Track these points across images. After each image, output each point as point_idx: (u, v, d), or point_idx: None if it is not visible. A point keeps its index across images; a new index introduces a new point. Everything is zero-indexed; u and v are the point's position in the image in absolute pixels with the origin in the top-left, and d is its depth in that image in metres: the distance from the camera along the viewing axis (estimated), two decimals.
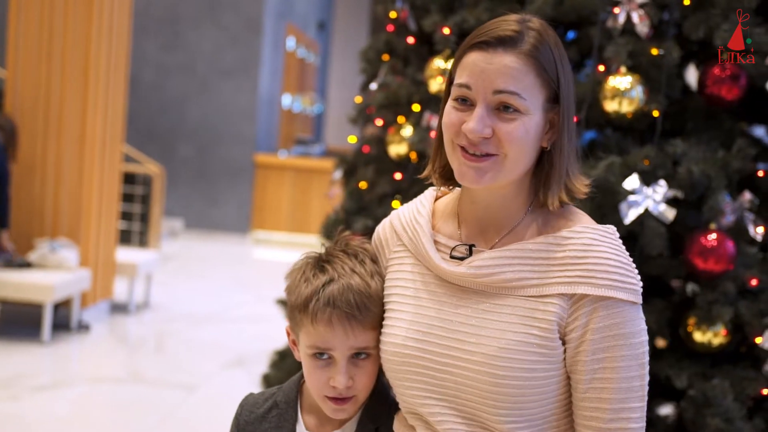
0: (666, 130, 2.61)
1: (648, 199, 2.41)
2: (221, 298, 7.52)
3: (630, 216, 2.40)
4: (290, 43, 12.73)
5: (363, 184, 3.25)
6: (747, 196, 2.49)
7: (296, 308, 1.47)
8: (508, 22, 1.32)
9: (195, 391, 4.78)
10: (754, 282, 2.47)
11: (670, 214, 2.41)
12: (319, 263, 1.49)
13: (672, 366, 2.51)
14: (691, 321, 2.48)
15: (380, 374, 1.50)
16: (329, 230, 3.18)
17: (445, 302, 1.36)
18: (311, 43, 14.34)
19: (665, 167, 2.47)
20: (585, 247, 1.31)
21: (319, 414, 1.53)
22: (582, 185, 1.38)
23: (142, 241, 8.50)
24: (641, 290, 1.33)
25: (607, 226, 1.36)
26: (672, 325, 2.56)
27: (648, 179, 2.43)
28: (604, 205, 2.46)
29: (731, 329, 2.46)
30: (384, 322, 1.43)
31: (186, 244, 10.53)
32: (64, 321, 5.87)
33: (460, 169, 1.33)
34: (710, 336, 2.46)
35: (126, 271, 6.54)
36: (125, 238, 8.34)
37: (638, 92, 2.49)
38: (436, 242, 1.41)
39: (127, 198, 8.31)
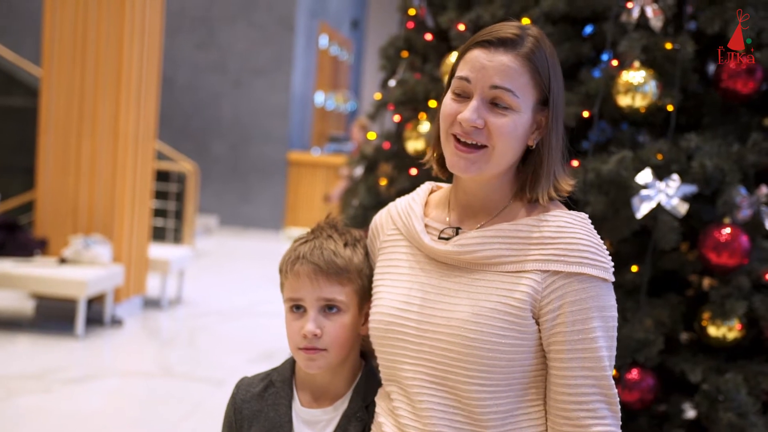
0: (682, 124, 2.61)
1: (661, 193, 2.41)
2: (252, 293, 7.60)
3: (642, 210, 2.40)
4: (323, 41, 12.79)
5: (383, 181, 3.28)
6: (764, 190, 2.48)
7: (279, 273, 1.64)
8: (510, 27, 1.45)
9: (224, 386, 4.85)
10: None
11: (682, 208, 2.41)
12: (306, 234, 1.65)
13: (686, 360, 2.51)
14: (706, 315, 2.48)
15: (370, 357, 1.62)
16: (353, 225, 3.21)
17: (431, 277, 1.49)
18: (345, 41, 14.40)
19: (679, 161, 2.47)
20: (559, 228, 1.42)
21: (313, 390, 1.65)
22: (567, 184, 1.49)
23: (177, 238, 8.62)
24: (612, 269, 1.43)
25: (580, 212, 1.47)
26: (686, 320, 2.56)
27: (661, 174, 2.43)
28: (616, 200, 2.46)
29: (746, 324, 2.46)
30: (375, 296, 1.56)
31: (220, 240, 10.65)
32: (97, 316, 5.98)
33: (451, 159, 1.45)
34: (725, 330, 2.45)
35: (159, 267, 6.64)
36: (160, 234, 8.47)
37: (651, 87, 2.49)
38: (426, 226, 1.54)
39: (162, 195, 8.44)
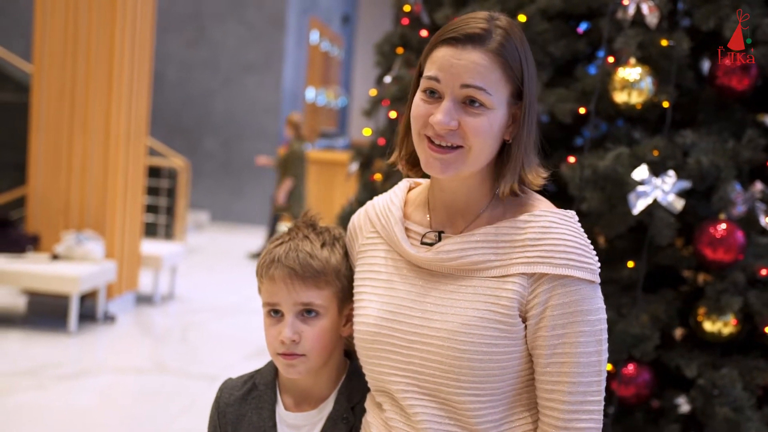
0: (677, 120, 2.62)
1: (657, 189, 2.42)
2: (245, 290, 7.59)
3: (639, 206, 2.41)
4: (314, 36, 12.78)
5: (378, 176, 3.28)
6: (758, 186, 2.49)
7: (256, 276, 1.58)
8: (477, 20, 1.37)
9: (217, 382, 4.84)
10: (764, 272, 2.47)
11: (678, 204, 2.42)
12: (282, 235, 1.59)
13: (682, 356, 2.52)
14: (701, 311, 2.49)
15: (355, 357, 1.57)
16: (343, 222, 3.22)
17: (415, 284, 1.43)
18: (335, 37, 14.39)
19: (675, 158, 2.48)
20: (544, 229, 1.37)
21: (296, 394, 1.61)
22: (537, 177, 1.43)
23: (168, 234, 8.61)
24: (599, 270, 1.38)
25: (567, 210, 1.42)
26: (682, 315, 2.57)
27: (657, 170, 2.44)
28: (613, 196, 2.47)
29: (741, 319, 2.47)
30: (357, 304, 1.50)
31: (211, 236, 10.63)
32: (90, 312, 5.97)
33: (427, 160, 1.39)
34: (720, 326, 2.46)
35: (151, 263, 6.64)
36: (151, 230, 8.45)
37: (647, 83, 2.50)
38: (407, 229, 1.48)
39: (153, 191, 8.42)
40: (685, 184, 2.44)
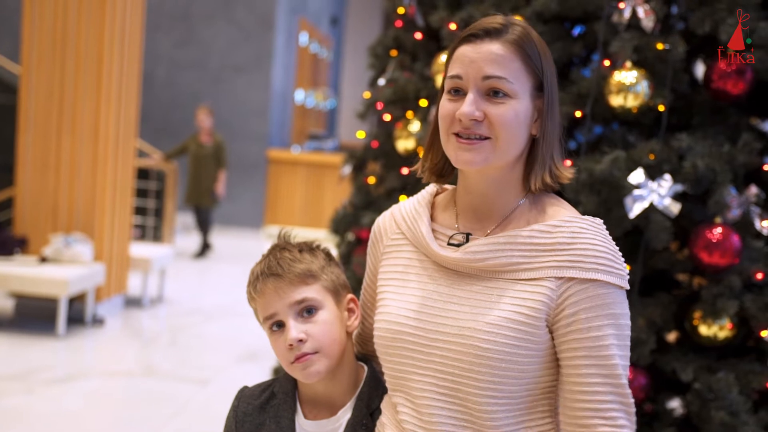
0: (672, 124, 2.61)
1: (653, 193, 2.41)
2: (234, 292, 7.55)
3: (635, 210, 2.41)
4: (303, 38, 12.76)
5: (372, 179, 3.27)
6: (753, 190, 2.49)
7: (249, 302, 1.62)
8: (495, 18, 1.42)
9: (207, 385, 4.83)
10: (759, 276, 2.47)
11: (675, 208, 2.42)
12: (262, 255, 1.64)
13: (678, 359, 2.51)
14: (697, 315, 2.48)
15: (373, 362, 1.58)
16: (338, 225, 3.21)
17: (441, 284, 1.43)
18: (324, 39, 14.37)
19: (670, 161, 2.48)
20: (573, 234, 1.37)
21: (316, 402, 1.60)
22: (567, 172, 1.45)
23: (156, 236, 8.57)
24: (627, 277, 1.40)
25: (595, 218, 1.43)
26: (678, 319, 2.57)
27: (653, 173, 2.44)
28: (609, 200, 2.46)
29: (737, 323, 2.47)
30: (381, 303, 1.50)
31: (199, 239, 10.57)
32: (78, 315, 5.93)
33: (456, 153, 1.39)
34: (716, 329, 2.46)
35: (140, 265, 6.60)
36: (140, 233, 8.41)
37: (643, 87, 2.49)
38: (434, 231, 1.49)
39: (141, 193, 8.38)
40: (681, 188, 2.43)
